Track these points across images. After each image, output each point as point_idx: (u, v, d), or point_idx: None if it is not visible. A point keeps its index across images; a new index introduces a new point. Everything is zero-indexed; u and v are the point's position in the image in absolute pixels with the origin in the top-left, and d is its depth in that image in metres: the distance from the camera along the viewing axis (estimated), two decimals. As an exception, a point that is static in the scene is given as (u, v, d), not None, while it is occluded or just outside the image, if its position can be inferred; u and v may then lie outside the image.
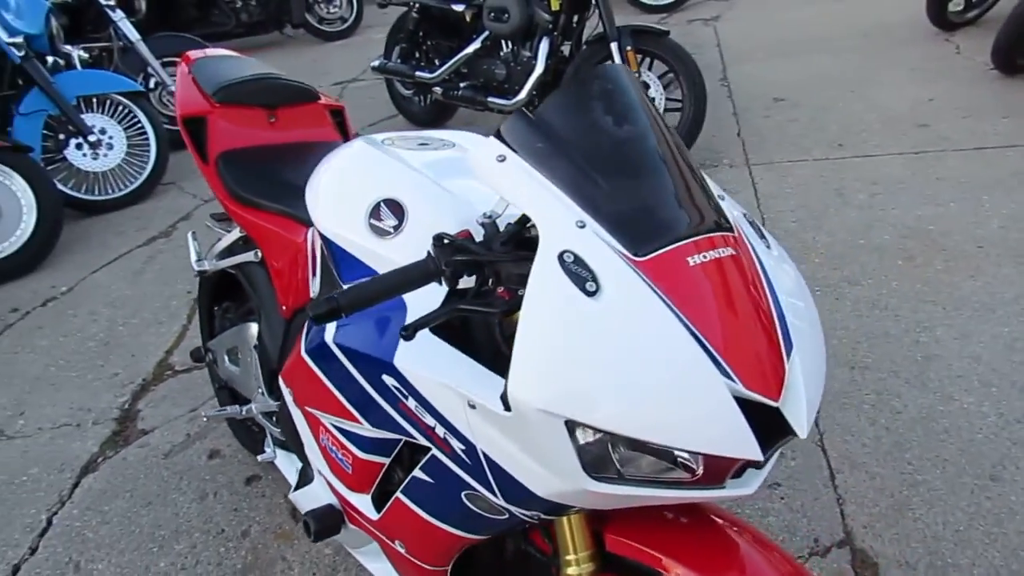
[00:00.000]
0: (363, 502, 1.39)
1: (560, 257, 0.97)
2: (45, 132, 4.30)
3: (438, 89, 4.54)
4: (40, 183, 3.89)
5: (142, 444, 2.58)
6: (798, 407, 0.99)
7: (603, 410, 0.92)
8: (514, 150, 1.08)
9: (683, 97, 3.84)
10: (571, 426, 0.93)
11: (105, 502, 2.34)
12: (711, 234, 1.04)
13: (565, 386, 0.92)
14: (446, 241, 1.04)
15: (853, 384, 2.42)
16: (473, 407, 1.05)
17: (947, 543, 1.87)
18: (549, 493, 1.01)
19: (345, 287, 1.19)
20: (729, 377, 0.93)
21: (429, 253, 1.05)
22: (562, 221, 1.01)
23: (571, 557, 1.15)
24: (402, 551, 1.34)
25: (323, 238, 1.37)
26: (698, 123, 3.87)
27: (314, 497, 1.55)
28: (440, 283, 1.06)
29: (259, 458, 1.92)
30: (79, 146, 4.38)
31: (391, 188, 1.31)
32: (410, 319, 1.09)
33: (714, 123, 4.55)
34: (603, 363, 0.92)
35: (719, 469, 1.00)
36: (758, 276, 1.05)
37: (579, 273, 0.96)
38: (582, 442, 0.95)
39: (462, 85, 4.43)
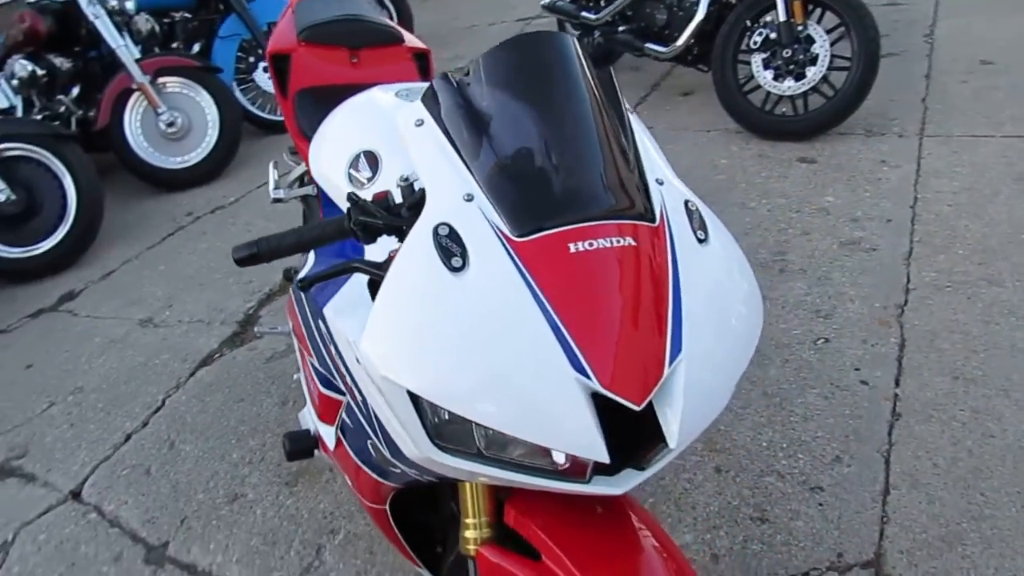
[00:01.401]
0: (328, 433, 1.49)
1: (435, 229, 0.97)
2: (238, 55, 4.74)
3: (598, 32, 4.44)
4: (225, 102, 4.31)
5: (251, 347, 2.87)
6: (672, 415, 0.94)
7: (444, 387, 0.92)
8: (435, 115, 1.08)
9: (852, 54, 3.48)
10: (415, 396, 0.95)
11: (208, 393, 2.64)
12: (611, 221, 0.99)
13: (410, 358, 0.93)
14: (358, 202, 1.07)
15: (950, 396, 2.16)
16: (358, 362, 1.08)
17: (990, 589, 1.67)
18: (411, 455, 1.03)
19: (275, 234, 1.26)
20: (584, 373, 0.90)
21: (347, 211, 1.09)
22: (449, 192, 1.00)
23: (470, 520, 1.17)
24: (349, 484, 1.43)
25: (315, 182, 1.44)
26: (865, 85, 3.50)
27: (306, 421, 1.68)
28: (357, 240, 1.09)
29: (294, 377, 2.08)
30: (265, 69, 4.78)
31: (372, 141, 1.35)
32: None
33: (898, 85, 4.10)
34: (452, 341, 0.92)
35: (581, 464, 0.97)
36: (661, 272, 0.99)
37: (449, 248, 0.95)
38: (431, 413, 0.96)
39: (621, 29, 4.31)
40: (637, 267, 0.97)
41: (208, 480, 2.26)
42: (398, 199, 1.09)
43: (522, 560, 1.10)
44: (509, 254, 0.95)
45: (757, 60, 3.72)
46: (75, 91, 4.27)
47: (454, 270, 0.94)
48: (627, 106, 1.20)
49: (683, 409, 0.93)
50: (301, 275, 1.14)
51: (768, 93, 3.73)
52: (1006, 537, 1.77)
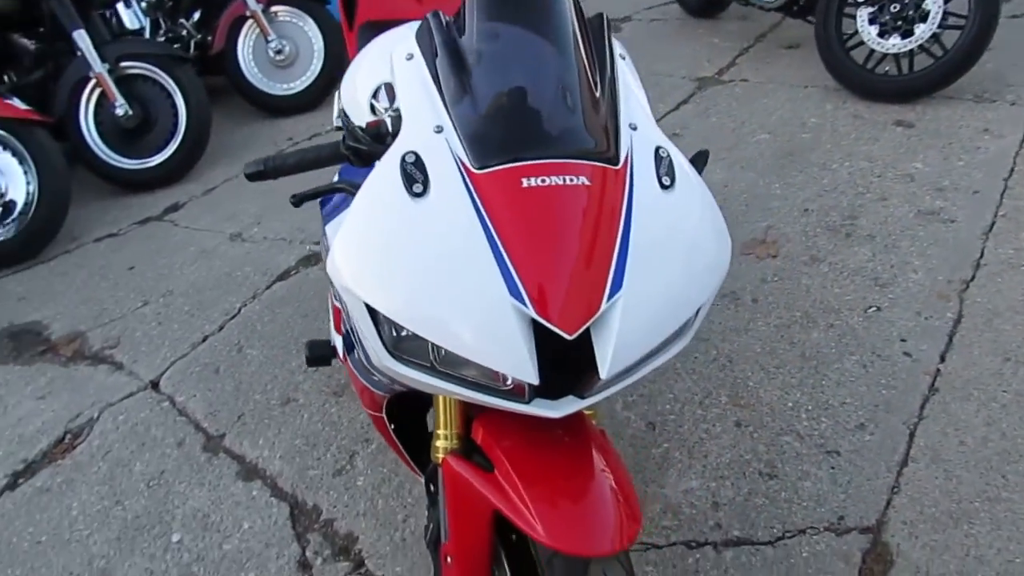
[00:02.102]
0: (338, 342, 1.61)
1: (403, 156, 1.05)
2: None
3: (705, -22, 4.32)
4: (331, 33, 4.46)
5: (323, 267, 3.05)
6: (606, 349, 0.99)
7: (395, 303, 1.01)
8: (424, 50, 1.15)
9: (968, 12, 3.26)
10: (372, 309, 1.04)
11: (279, 306, 2.85)
12: (568, 160, 1.03)
13: (367, 273, 1.02)
14: (351, 127, 1.17)
15: (996, 377, 2.09)
16: None
17: (988, 571, 1.64)
18: (376, 363, 1.13)
19: (281, 153, 1.36)
20: (520, 299, 0.97)
21: (343, 136, 1.18)
22: (422, 123, 1.08)
23: (441, 431, 1.27)
24: (355, 391, 1.56)
25: (343, 111, 1.54)
26: (979, 47, 3.27)
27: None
28: (351, 163, 1.19)
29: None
30: (372, 2, 4.92)
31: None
32: None
33: (1021, 49, 3.80)
34: (405, 260, 1.01)
35: (522, 385, 1.04)
36: (612, 213, 1.03)
37: (413, 175, 1.03)
38: (388, 326, 1.06)
39: (727, -24, 4.17)
40: (588, 206, 1.02)
41: (267, 383, 2.47)
42: (390, 128, 1.18)
43: (479, 471, 1.19)
44: (466, 184, 1.02)
45: (863, 14, 3.54)
46: (196, 16, 4.54)
47: (415, 195, 1.02)
48: (621, 52, 1.23)
49: (615, 343, 0.98)
50: (295, 192, 1.26)
51: (872, 50, 3.55)
52: (1018, 521, 1.73)
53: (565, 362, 1.04)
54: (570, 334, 0.97)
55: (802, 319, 2.39)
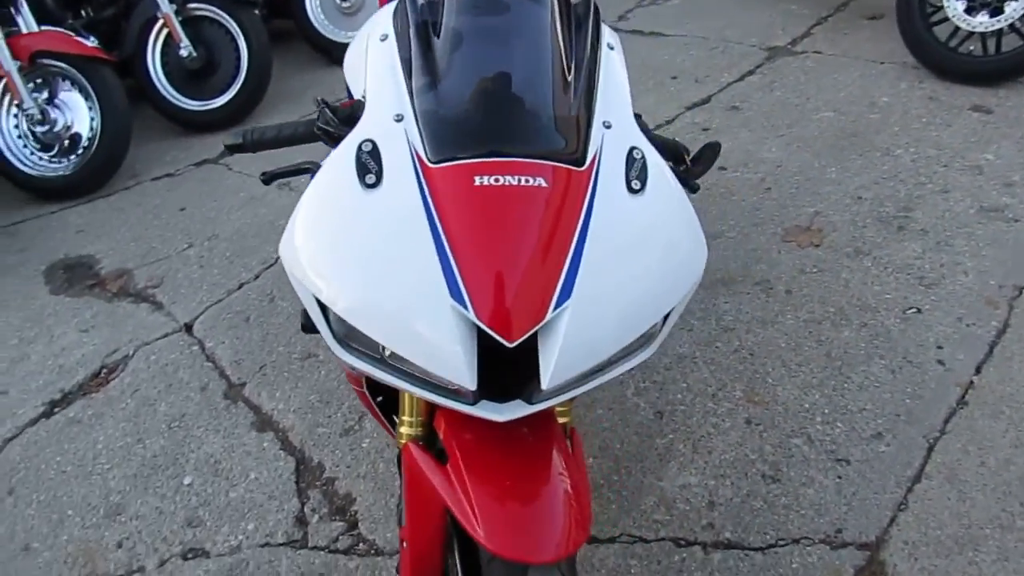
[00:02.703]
0: None
1: (360, 144, 1.02)
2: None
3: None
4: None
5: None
6: (548, 358, 0.97)
7: (339, 296, 1.00)
8: (398, 31, 1.11)
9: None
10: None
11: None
12: (526, 159, 1.00)
13: (314, 263, 1.02)
14: (323, 107, 1.15)
15: (1033, 396, 1.97)
16: None
17: (986, 601, 1.57)
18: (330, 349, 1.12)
19: (260, 126, 1.34)
20: (462, 302, 0.94)
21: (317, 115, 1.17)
22: (383, 110, 1.05)
23: (406, 418, 1.26)
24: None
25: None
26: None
27: None
28: (325, 143, 1.18)
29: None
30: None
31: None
32: None
33: None
34: (351, 253, 1.00)
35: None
36: (569, 217, 0.99)
37: (367, 164, 1.01)
38: (335, 316, 1.05)
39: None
40: (543, 209, 0.99)
41: (291, 336, 2.53)
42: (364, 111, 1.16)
43: (435, 463, 1.18)
44: (418, 178, 1.00)
45: (951, -13, 3.29)
46: (265, -42, 4.56)
47: (367, 187, 1.00)
48: (610, 41, 1.17)
49: (559, 354, 0.96)
50: (265, 170, 1.25)
51: (956, 27, 3.30)
52: (1028, 554, 1.64)
53: (516, 365, 1.01)
54: (511, 342, 0.95)
55: (835, 315, 2.29)
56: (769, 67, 3.75)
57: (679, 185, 1.11)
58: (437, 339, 0.95)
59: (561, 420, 1.26)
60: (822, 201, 2.77)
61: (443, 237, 0.96)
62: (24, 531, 2.00)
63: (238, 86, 3.95)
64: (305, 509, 1.95)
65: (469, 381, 0.96)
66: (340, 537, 1.87)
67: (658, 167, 1.08)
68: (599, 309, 0.98)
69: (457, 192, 0.98)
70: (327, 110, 1.14)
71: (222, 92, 3.96)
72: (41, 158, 3.46)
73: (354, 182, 1.01)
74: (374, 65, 1.11)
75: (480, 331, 0.96)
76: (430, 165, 1.00)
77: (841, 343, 2.20)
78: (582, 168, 1.02)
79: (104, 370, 2.50)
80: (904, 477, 1.82)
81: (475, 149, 1.00)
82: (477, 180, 0.98)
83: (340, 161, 1.03)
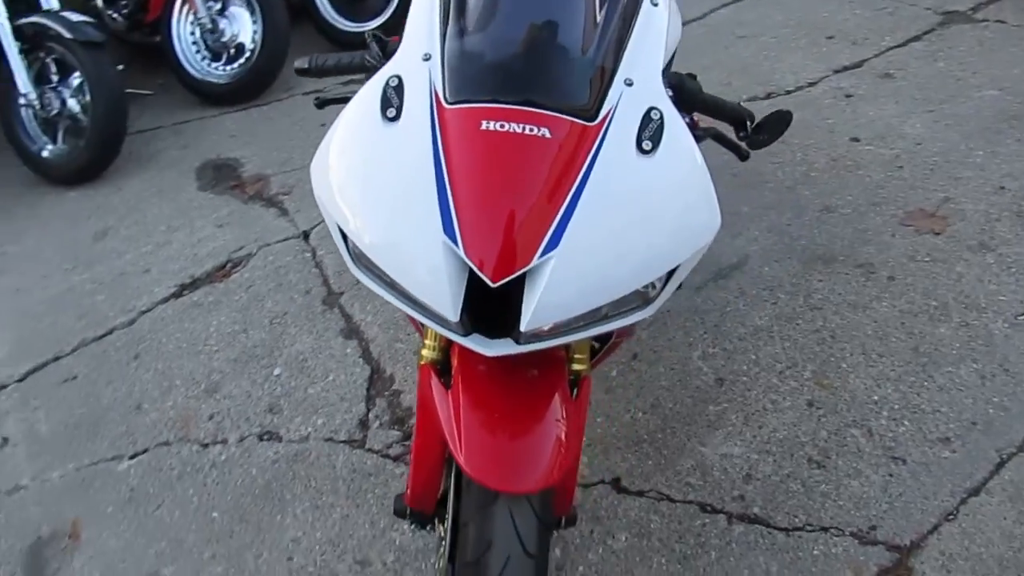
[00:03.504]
0: None
1: (388, 79, 1.09)
2: None
3: None
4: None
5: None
6: (529, 303, 1.01)
7: (350, 219, 1.08)
8: None
9: None
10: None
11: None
12: (533, 109, 1.02)
13: (333, 188, 1.10)
14: (372, 41, 1.22)
15: None
16: None
17: (1013, 628, 1.48)
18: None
19: (325, 55, 1.41)
20: (453, 238, 1.00)
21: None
22: (414, 49, 1.10)
23: (427, 342, 1.34)
24: None
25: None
26: None
27: None
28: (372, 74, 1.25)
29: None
30: None
31: None
32: None
33: None
34: (364, 182, 1.07)
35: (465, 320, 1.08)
36: (569, 169, 1.01)
37: (391, 99, 1.08)
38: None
39: None
40: (543, 158, 1.01)
41: (392, 255, 2.67)
42: None
43: (440, 386, 1.26)
44: (432, 117, 1.05)
45: None
46: None
47: (387, 120, 1.07)
48: None
49: (539, 300, 0.99)
50: (318, 96, 1.34)
51: None
52: (1078, 591, 1.52)
53: (511, 306, 1.06)
54: (494, 282, 0.99)
55: (935, 310, 2.15)
56: (939, 34, 3.43)
57: (697, 151, 1.10)
58: (427, 270, 1.02)
59: (576, 367, 1.30)
60: (957, 186, 2.56)
61: (445, 175, 1.02)
62: (140, 392, 2.29)
63: (392, 9, 4.09)
64: (369, 415, 2.11)
65: (452, 313, 1.02)
66: (394, 445, 2.01)
67: (677, 130, 1.08)
68: (586, 261, 1.00)
69: (464, 134, 1.03)
70: (374, 44, 1.21)
71: (376, 15, 4.12)
72: (209, 65, 3.78)
73: (377, 114, 1.07)
74: (416, 6, 1.16)
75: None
76: (445, 106, 1.05)
77: (934, 339, 2.07)
78: (592, 123, 1.04)
79: (229, 263, 2.76)
80: (961, 488, 1.72)
81: (488, 94, 1.04)
82: (484, 124, 1.02)
83: (368, 93, 1.10)
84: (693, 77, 1.29)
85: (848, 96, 3.08)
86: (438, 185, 1.02)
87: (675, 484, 1.82)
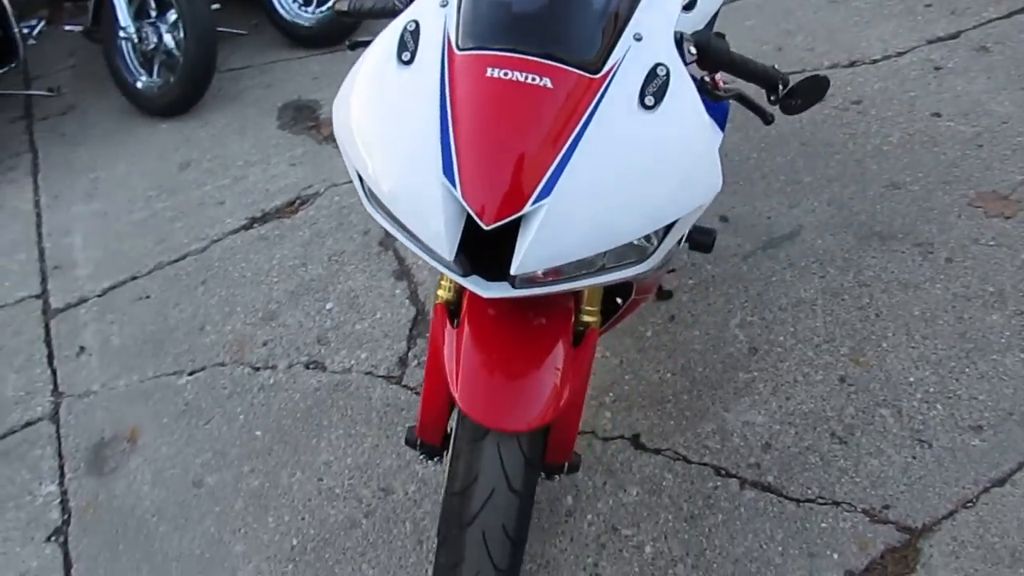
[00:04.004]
0: None
1: (407, 23, 1.13)
2: None
3: None
4: None
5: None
6: (520, 248, 1.04)
7: (363, 163, 1.14)
8: None
9: None
10: None
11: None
12: (537, 59, 1.05)
13: (349, 125, 1.15)
14: None
15: None
16: None
17: (1015, 620, 1.46)
18: None
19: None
20: (451, 179, 1.04)
21: None
22: None
23: (443, 282, 1.39)
24: None
25: None
26: None
27: None
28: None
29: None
30: None
31: None
32: None
33: None
34: (376, 123, 1.12)
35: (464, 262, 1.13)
36: (568, 120, 1.04)
37: (407, 43, 1.12)
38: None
39: None
40: (543, 108, 1.04)
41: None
42: None
43: (449, 324, 1.32)
44: (442, 62, 1.09)
45: None
46: None
47: (402, 63, 1.12)
48: None
49: (528, 246, 1.03)
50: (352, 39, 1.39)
51: None
52: (1091, 591, 1.48)
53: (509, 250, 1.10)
54: (487, 225, 1.03)
55: (991, 296, 2.07)
56: (1052, 6, 3.21)
57: (702, 111, 1.10)
58: (427, 210, 1.06)
59: (585, 319, 1.34)
60: (1040, 170, 2.43)
61: (450, 119, 1.06)
62: (203, 315, 2.45)
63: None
64: (409, 353, 2.20)
65: (447, 252, 1.06)
66: (428, 384, 2.10)
67: (682, 88, 1.08)
68: (579, 210, 1.03)
69: (471, 80, 1.06)
70: None
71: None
72: (300, 8, 3.89)
73: (393, 57, 1.12)
74: None
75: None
76: (456, 52, 1.08)
77: (983, 326, 2.00)
78: (596, 76, 1.05)
79: (297, 200, 2.88)
80: (986, 477, 1.69)
81: (496, 42, 1.07)
82: (489, 71, 1.05)
83: (387, 37, 1.15)
84: (721, 36, 1.28)
85: (937, 69, 2.93)
86: (442, 128, 1.06)
87: (693, 446, 1.84)
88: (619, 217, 1.06)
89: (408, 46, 1.12)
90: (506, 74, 1.04)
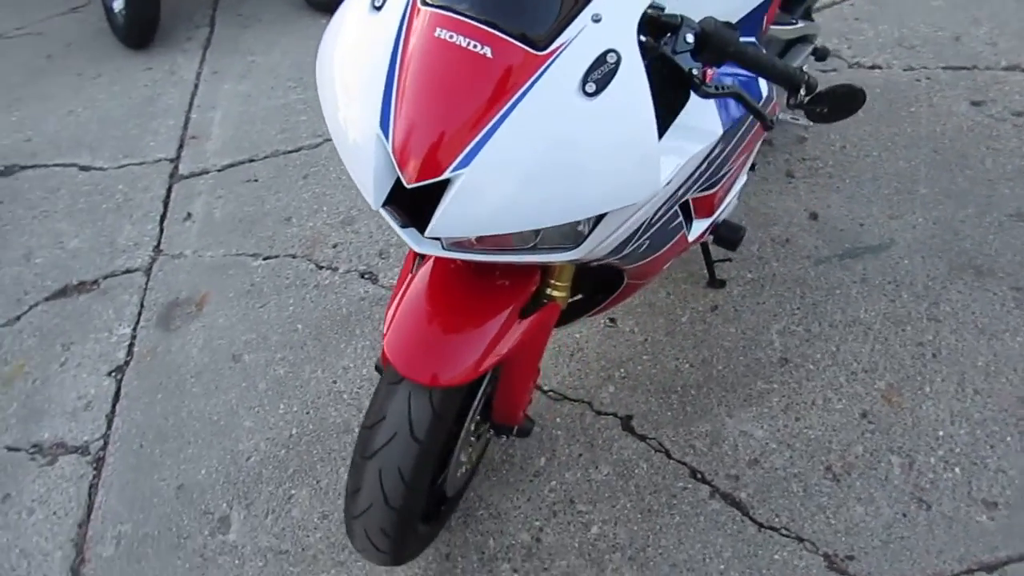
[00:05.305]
0: None
1: None
2: None
3: None
4: None
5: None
6: (438, 211, 1.05)
7: (326, 100, 1.18)
8: None
9: None
10: None
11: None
12: (484, 26, 1.02)
13: (320, 67, 1.20)
14: None
15: None
16: None
17: None
18: None
19: None
20: (385, 131, 1.06)
21: None
22: None
23: None
24: None
25: None
26: None
27: None
28: None
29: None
30: None
31: None
32: None
33: None
34: (340, 67, 1.15)
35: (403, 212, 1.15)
36: (500, 93, 1.02)
37: None
38: None
39: None
40: (478, 76, 1.02)
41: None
42: None
43: (408, 268, 1.36)
44: (405, 12, 1.09)
45: None
46: None
47: (374, 9, 1.13)
48: None
49: (442, 212, 1.03)
50: None
51: None
52: None
53: None
54: (408, 183, 1.05)
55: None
56: None
57: (648, 108, 1.04)
58: (362, 158, 1.10)
59: (551, 292, 1.35)
60: None
61: (395, 72, 1.07)
62: (294, 208, 2.64)
63: None
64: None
65: (373, 201, 1.09)
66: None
67: (631, 80, 1.02)
68: (493, 186, 1.02)
69: (421, 37, 1.06)
70: None
71: None
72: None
73: (366, 5, 1.14)
74: None
75: None
76: (419, 5, 1.08)
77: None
78: (540, 52, 1.02)
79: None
80: (976, 559, 1.53)
81: (455, 1, 1.06)
82: (437, 31, 1.04)
83: None
84: (731, 26, 1.17)
85: None
86: (387, 81, 1.07)
87: (680, 442, 1.80)
88: (539, 199, 1.04)
89: None
90: (451, 37, 1.03)
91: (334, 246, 2.46)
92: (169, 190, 2.81)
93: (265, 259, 2.46)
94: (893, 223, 2.21)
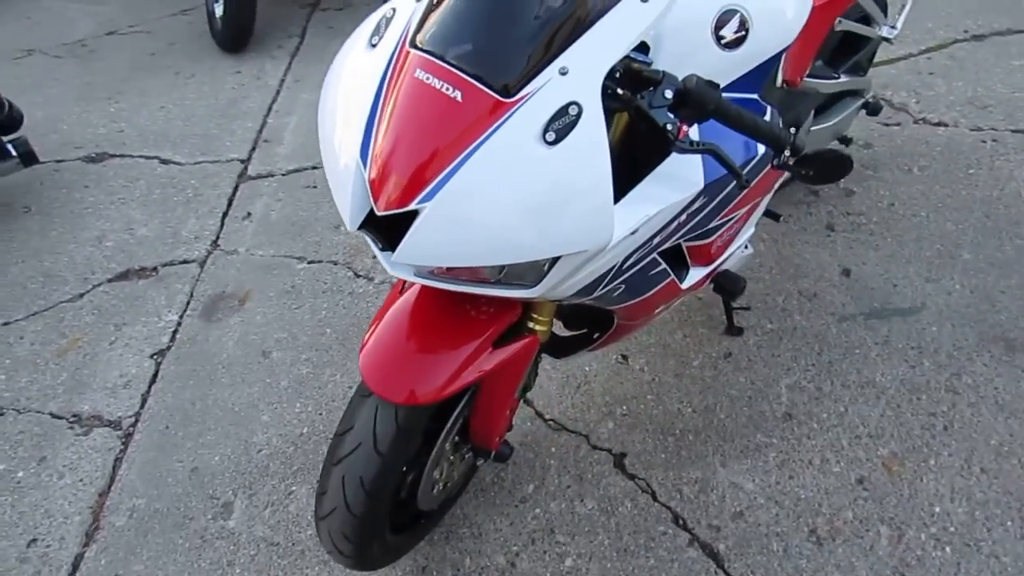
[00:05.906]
0: None
1: (387, 11, 1.22)
2: None
3: None
4: None
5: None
6: (405, 238, 1.12)
7: (322, 130, 1.26)
8: None
9: None
10: None
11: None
12: (458, 72, 1.09)
13: (324, 95, 1.28)
14: None
15: None
16: None
17: None
18: None
19: None
20: (364, 159, 1.15)
21: None
22: None
23: None
24: None
25: None
26: None
27: None
28: None
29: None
30: None
31: None
32: None
33: None
34: (335, 100, 1.24)
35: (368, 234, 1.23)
36: (465, 136, 1.07)
37: (380, 29, 1.22)
38: None
39: None
40: (448, 118, 1.09)
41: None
42: None
43: (397, 289, 1.44)
44: (394, 52, 1.17)
45: None
46: None
47: (370, 46, 1.22)
48: None
49: (406, 241, 1.10)
50: None
51: None
52: None
53: None
54: (378, 211, 1.12)
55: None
56: None
57: (605, 161, 1.07)
58: (342, 182, 1.18)
59: (532, 326, 1.40)
60: None
61: (379, 107, 1.15)
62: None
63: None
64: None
65: (349, 224, 1.17)
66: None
67: (591, 132, 1.06)
68: (451, 222, 1.08)
69: (404, 77, 1.14)
70: None
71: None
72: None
73: (366, 40, 1.23)
74: None
75: None
76: (407, 47, 1.16)
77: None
78: (506, 100, 1.07)
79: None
80: (950, 643, 1.48)
81: (436, 47, 1.12)
82: (417, 72, 1.12)
83: (369, 20, 1.26)
84: (715, 86, 1.20)
85: None
86: (370, 114, 1.15)
87: (667, 486, 1.80)
88: (494, 238, 1.09)
89: (380, 31, 1.21)
90: (428, 79, 1.10)
91: (374, 257, 2.56)
92: (235, 189, 2.99)
93: (309, 263, 2.58)
94: (928, 286, 2.15)
